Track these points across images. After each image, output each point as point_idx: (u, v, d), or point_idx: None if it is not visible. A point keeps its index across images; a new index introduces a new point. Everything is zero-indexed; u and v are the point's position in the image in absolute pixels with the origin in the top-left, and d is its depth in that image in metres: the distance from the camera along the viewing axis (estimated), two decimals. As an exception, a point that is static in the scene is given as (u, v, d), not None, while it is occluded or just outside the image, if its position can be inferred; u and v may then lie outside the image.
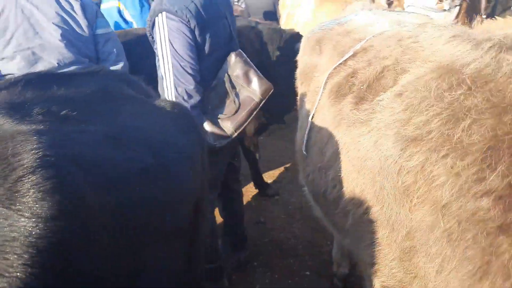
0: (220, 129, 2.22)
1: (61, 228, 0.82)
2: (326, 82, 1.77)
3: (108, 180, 0.99)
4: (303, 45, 2.32)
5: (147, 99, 1.43)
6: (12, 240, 0.77)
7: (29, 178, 0.81)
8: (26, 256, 0.77)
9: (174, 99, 2.05)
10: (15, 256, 0.77)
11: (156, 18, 2.05)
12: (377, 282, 1.35)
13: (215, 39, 2.16)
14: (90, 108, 1.15)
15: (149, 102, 1.41)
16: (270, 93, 2.25)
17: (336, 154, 1.53)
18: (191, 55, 2.07)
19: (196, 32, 2.05)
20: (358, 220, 1.39)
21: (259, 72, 2.26)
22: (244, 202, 3.16)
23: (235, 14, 2.77)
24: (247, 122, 2.25)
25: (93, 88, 1.26)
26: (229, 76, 2.22)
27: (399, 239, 1.17)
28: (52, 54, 2.14)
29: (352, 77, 1.58)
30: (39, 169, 0.83)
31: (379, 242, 1.28)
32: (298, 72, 2.32)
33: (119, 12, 3.73)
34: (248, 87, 2.20)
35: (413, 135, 1.13)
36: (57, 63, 2.15)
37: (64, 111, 1.05)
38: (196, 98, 2.11)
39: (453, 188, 0.98)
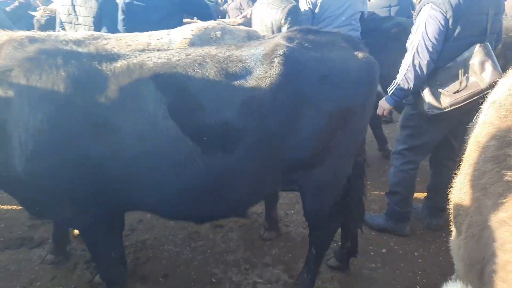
0: (438, 101, 2.74)
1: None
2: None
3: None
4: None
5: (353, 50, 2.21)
6: None
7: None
8: None
9: (406, 66, 2.75)
10: None
11: (424, 7, 2.70)
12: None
13: (465, 29, 2.64)
14: (322, 49, 2.12)
15: (352, 53, 2.18)
16: None
17: None
18: (437, 38, 2.65)
19: (450, 21, 2.61)
20: None
21: (497, 65, 2.58)
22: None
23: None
24: (464, 103, 2.65)
25: (326, 39, 2.21)
26: (465, 61, 2.65)
27: None
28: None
29: None
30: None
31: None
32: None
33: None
34: (480, 74, 2.58)
35: None
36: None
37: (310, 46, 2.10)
38: (424, 71, 2.71)
39: None
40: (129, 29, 3.66)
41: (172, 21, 3.46)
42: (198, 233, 3.47)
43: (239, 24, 4.59)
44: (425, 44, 2.68)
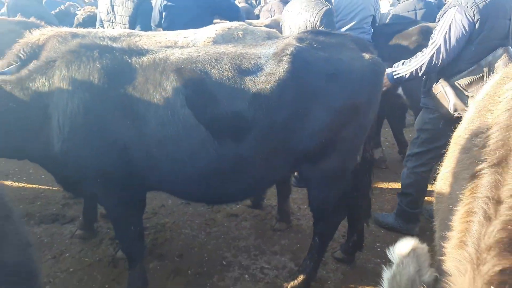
0: (464, 103, 2.79)
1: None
2: None
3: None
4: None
5: (361, 52, 2.37)
6: None
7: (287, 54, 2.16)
8: None
9: (423, 62, 2.84)
10: None
11: (450, 9, 2.77)
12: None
13: (489, 33, 2.72)
14: (330, 49, 2.29)
15: (359, 54, 2.34)
16: None
17: None
18: (458, 41, 2.74)
19: (476, 25, 2.68)
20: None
21: None
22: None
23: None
24: None
25: (336, 40, 2.39)
26: (490, 65, 2.72)
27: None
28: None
29: None
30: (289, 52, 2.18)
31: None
32: None
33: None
34: None
35: None
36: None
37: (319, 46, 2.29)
38: (436, 70, 2.87)
39: None
40: (163, 28, 3.96)
41: (200, 22, 3.71)
42: (214, 220, 3.70)
43: (266, 26, 4.80)
44: (445, 46, 2.76)
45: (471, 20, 2.67)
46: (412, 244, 1.11)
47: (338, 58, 2.23)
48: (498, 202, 1.06)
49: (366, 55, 2.32)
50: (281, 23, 4.11)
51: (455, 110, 2.86)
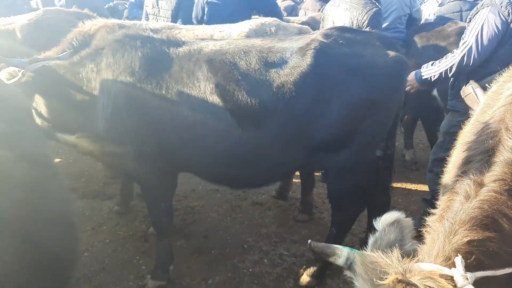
0: None
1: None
2: None
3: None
4: None
5: (386, 50, 2.43)
6: None
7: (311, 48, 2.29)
8: None
9: (453, 62, 2.82)
10: None
11: (482, 9, 2.74)
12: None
13: None
14: (354, 45, 2.37)
15: (383, 51, 2.41)
16: None
17: None
18: (491, 42, 2.70)
19: (510, 25, 2.64)
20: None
21: None
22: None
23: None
24: None
25: (362, 37, 2.48)
26: None
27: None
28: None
29: None
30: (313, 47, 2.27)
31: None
32: None
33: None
34: None
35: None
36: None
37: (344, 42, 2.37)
38: (467, 71, 2.81)
39: None
40: (204, 23, 4.18)
41: (239, 18, 3.85)
42: (239, 207, 3.88)
43: (303, 22, 4.90)
44: (477, 47, 2.73)
45: (504, 20, 2.63)
46: (397, 215, 1.21)
47: (361, 54, 2.31)
48: (480, 185, 1.13)
49: (391, 53, 2.38)
50: (322, 17, 4.18)
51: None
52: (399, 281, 1.01)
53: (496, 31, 2.67)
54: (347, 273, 1.25)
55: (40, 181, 1.36)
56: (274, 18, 3.48)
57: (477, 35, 2.71)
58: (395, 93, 2.39)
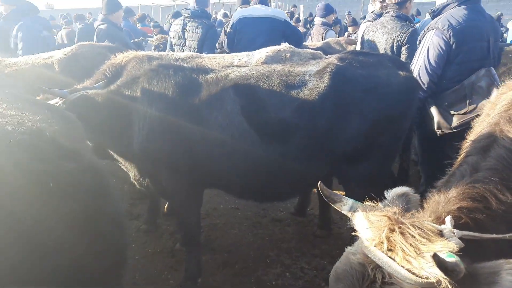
0: (446, 121, 2.87)
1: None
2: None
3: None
4: None
5: (397, 70, 2.62)
6: None
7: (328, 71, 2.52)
8: None
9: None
10: None
11: (428, 33, 2.99)
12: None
13: (468, 54, 2.88)
14: (368, 67, 2.60)
15: (395, 71, 2.60)
16: None
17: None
18: (437, 62, 2.92)
19: (453, 46, 2.86)
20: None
21: None
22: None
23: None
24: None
25: (374, 59, 2.69)
26: (473, 84, 2.83)
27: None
28: None
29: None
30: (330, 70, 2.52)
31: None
32: None
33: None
34: (487, 97, 2.66)
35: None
36: None
37: (358, 65, 2.60)
38: (424, 90, 2.99)
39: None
40: (237, 49, 4.54)
41: (272, 45, 4.05)
42: (260, 224, 4.05)
43: (318, 47, 5.24)
44: (425, 67, 2.94)
45: (447, 41, 2.85)
46: (406, 189, 1.39)
47: (375, 75, 2.54)
48: (475, 169, 1.33)
49: (402, 73, 2.60)
50: (360, 39, 4.48)
51: (439, 128, 2.92)
52: (390, 219, 1.16)
53: (441, 52, 2.88)
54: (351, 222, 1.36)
55: (101, 188, 1.59)
56: (288, 45, 3.77)
57: (425, 57, 2.93)
58: (407, 109, 2.60)
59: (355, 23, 9.01)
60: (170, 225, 3.99)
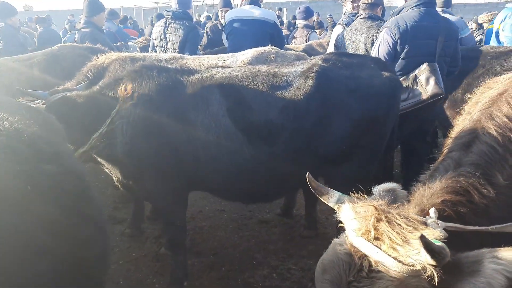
0: None
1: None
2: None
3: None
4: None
5: (380, 71, 2.68)
6: None
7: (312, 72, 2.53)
8: None
9: None
10: None
11: (381, 31, 3.43)
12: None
13: (413, 50, 3.27)
14: (352, 68, 2.62)
15: (378, 72, 2.66)
16: (439, 97, 3.17)
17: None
18: (385, 57, 3.30)
19: (398, 43, 3.27)
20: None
21: (440, 81, 3.19)
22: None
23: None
24: (409, 109, 3.21)
25: (358, 60, 2.74)
26: (416, 76, 3.23)
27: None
28: None
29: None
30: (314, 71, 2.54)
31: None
32: None
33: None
34: (424, 87, 3.15)
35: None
36: None
37: (342, 66, 2.63)
38: None
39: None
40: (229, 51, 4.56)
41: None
42: (246, 226, 4.03)
43: (302, 50, 5.29)
44: None
45: (393, 38, 3.26)
46: (393, 185, 1.41)
47: (358, 76, 2.56)
48: (458, 164, 1.36)
49: (385, 73, 2.64)
50: (333, 42, 4.55)
51: None
52: (377, 209, 1.19)
53: (389, 47, 3.28)
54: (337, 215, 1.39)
55: (82, 191, 1.54)
56: (273, 47, 3.78)
57: (377, 52, 3.32)
58: (390, 109, 2.63)
59: (336, 26, 9.14)
60: (154, 229, 3.92)
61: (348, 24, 4.52)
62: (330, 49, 4.66)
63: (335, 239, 1.33)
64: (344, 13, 5.10)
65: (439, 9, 5.76)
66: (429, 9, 3.37)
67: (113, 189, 4.59)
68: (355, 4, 4.58)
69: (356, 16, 4.33)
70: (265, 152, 2.47)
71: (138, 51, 6.07)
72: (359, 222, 1.22)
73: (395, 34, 3.24)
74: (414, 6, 3.36)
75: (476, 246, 1.17)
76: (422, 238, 1.03)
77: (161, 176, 2.63)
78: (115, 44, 6.41)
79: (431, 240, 1.07)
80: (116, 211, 4.36)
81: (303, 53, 4.05)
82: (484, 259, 1.09)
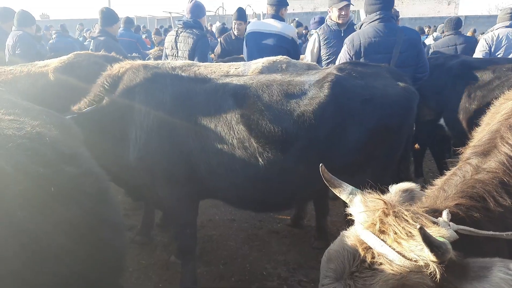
0: None
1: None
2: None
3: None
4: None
5: (396, 81, 2.70)
6: None
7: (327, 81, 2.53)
8: None
9: None
10: None
11: (343, 46, 3.73)
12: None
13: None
14: (367, 78, 2.64)
15: (393, 82, 2.69)
16: None
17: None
18: None
19: (353, 58, 3.57)
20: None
21: None
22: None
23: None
24: None
25: (373, 70, 2.75)
26: None
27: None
28: None
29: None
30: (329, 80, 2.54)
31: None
32: None
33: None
34: None
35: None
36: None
37: (357, 75, 2.65)
38: None
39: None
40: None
41: None
42: (256, 235, 3.99)
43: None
44: None
45: (349, 54, 3.61)
46: (411, 185, 1.39)
47: (373, 86, 2.56)
48: (476, 171, 1.35)
49: (400, 84, 2.63)
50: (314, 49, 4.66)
51: None
52: (385, 203, 1.19)
53: (347, 60, 3.57)
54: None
55: (102, 193, 1.55)
56: (285, 56, 3.80)
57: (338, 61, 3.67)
58: (405, 120, 2.62)
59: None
60: (164, 237, 3.91)
61: (326, 33, 4.56)
62: (307, 57, 4.83)
63: (343, 231, 1.32)
64: (326, 21, 4.87)
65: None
66: (386, 24, 3.60)
67: (123, 196, 4.60)
68: (343, 13, 4.49)
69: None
70: (278, 161, 2.46)
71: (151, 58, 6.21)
72: (367, 214, 1.24)
73: (350, 50, 3.58)
74: (371, 22, 3.63)
75: (492, 256, 1.15)
76: (421, 230, 1.03)
77: (173, 184, 2.63)
78: (129, 55, 6.56)
79: (434, 236, 1.08)
80: (126, 218, 4.35)
81: (314, 63, 4.06)
82: (494, 267, 1.08)
